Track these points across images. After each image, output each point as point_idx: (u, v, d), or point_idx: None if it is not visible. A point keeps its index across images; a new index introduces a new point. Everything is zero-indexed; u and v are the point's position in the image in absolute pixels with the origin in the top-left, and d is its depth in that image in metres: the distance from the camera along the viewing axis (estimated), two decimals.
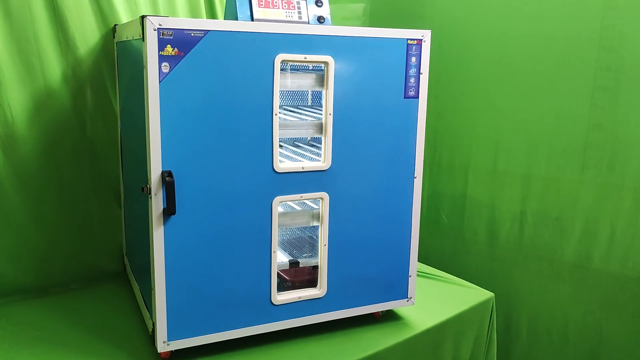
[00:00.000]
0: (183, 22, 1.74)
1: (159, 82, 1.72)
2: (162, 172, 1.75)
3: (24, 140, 2.27)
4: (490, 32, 2.79)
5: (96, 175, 2.48)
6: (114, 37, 2.42)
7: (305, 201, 2.14)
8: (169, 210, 1.75)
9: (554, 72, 2.62)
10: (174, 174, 1.76)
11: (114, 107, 2.48)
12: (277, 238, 1.95)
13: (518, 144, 2.79)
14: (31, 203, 2.32)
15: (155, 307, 1.82)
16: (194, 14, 2.69)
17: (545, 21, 2.61)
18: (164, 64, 1.72)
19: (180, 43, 1.73)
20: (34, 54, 2.26)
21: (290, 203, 2.20)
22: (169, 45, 1.72)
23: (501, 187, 2.89)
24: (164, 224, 1.78)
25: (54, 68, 2.31)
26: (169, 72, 1.73)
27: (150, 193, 1.77)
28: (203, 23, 1.76)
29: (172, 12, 2.61)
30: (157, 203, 1.77)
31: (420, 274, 2.64)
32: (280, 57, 1.85)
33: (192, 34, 1.74)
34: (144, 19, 1.69)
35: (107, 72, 2.44)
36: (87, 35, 2.37)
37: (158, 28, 1.70)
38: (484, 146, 2.91)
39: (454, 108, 3.00)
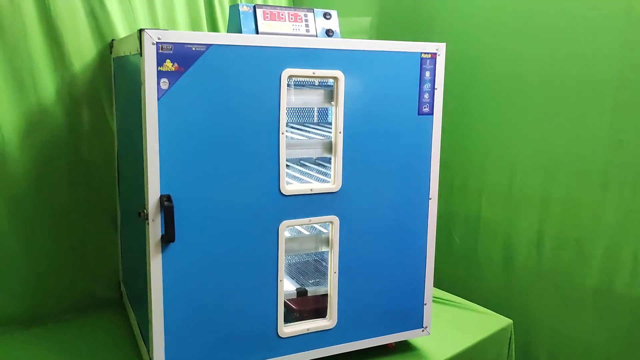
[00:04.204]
0: (184, 35, 1.62)
1: (158, 99, 1.61)
2: (161, 197, 1.63)
3: (15, 161, 2.15)
4: (504, 46, 2.68)
5: (91, 198, 2.36)
6: (111, 53, 2.31)
7: (314, 225, 2.01)
8: (168, 238, 1.63)
9: (572, 89, 2.49)
10: (173, 198, 1.63)
11: (110, 126, 2.36)
12: (283, 265, 1.82)
13: (535, 163, 2.66)
14: (22, 227, 2.20)
15: (152, 342, 1.68)
16: (195, 27, 2.58)
17: (564, 36, 2.49)
18: (162, 80, 1.60)
19: (180, 58, 1.61)
20: (27, 70, 2.15)
21: (298, 227, 2.07)
22: (168, 60, 1.60)
23: (517, 209, 2.74)
24: (162, 252, 1.65)
25: (47, 85, 2.20)
26: (168, 89, 1.61)
27: (147, 219, 1.64)
28: (205, 37, 1.65)
29: (172, 26, 2.51)
30: (154, 229, 1.64)
31: (434, 299, 2.50)
32: (287, 73, 1.74)
33: (194, 48, 1.63)
34: (142, 32, 1.58)
35: (104, 90, 2.33)
36: (83, 50, 2.27)
37: (157, 42, 1.58)
38: (499, 166, 2.78)
39: (467, 126, 2.87)
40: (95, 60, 2.31)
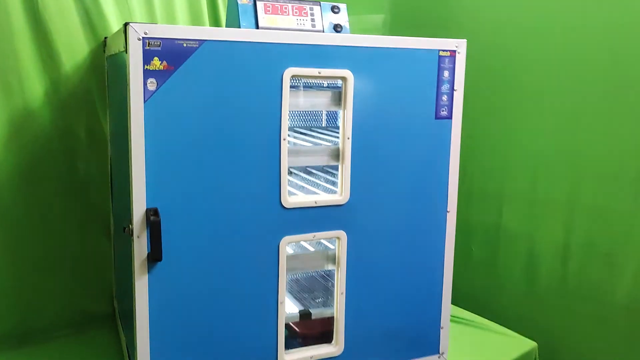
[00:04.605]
0: (174, 30, 1.46)
1: (144, 101, 1.44)
2: (147, 210, 1.47)
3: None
4: (529, 44, 2.50)
5: (83, 207, 2.20)
6: (104, 52, 2.15)
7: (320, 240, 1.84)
8: (154, 256, 1.46)
9: (601, 88, 2.31)
10: (161, 212, 1.47)
11: (104, 131, 2.21)
12: (285, 286, 1.65)
13: (561, 168, 2.48)
14: (8, 239, 2.05)
15: None
16: (195, 23, 2.42)
17: (595, 31, 2.31)
18: (150, 80, 1.44)
19: (170, 55, 1.45)
20: (12, 70, 2.00)
21: (302, 243, 1.89)
22: (156, 58, 1.44)
23: (541, 218, 2.58)
24: (148, 272, 1.49)
25: (35, 86, 2.05)
26: (156, 90, 1.45)
27: (132, 235, 1.48)
28: (198, 31, 1.48)
29: (172, 23, 2.34)
30: (140, 247, 1.48)
31: (450, 319, 2.32)
32: (289, 72, 1.57)
33: (185, 45, 1.46)
34: (127, 26, 1.41)
35: (97, 91, 2.18)
36: (74, 49, 2.12)
37: (143, 37, 1.42)
38: (522, 171, 2.61)
39: (487, 128, 2.69)
40: (88, 59, 2.16)
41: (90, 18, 2.13)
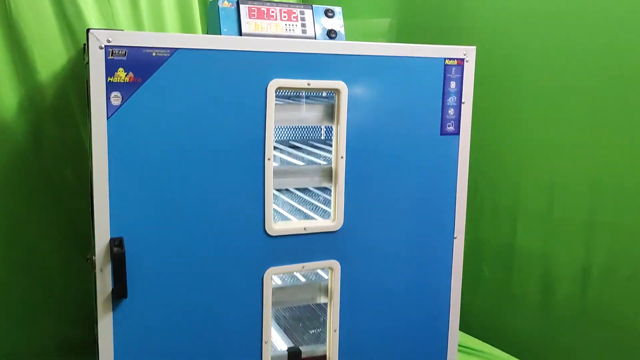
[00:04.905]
0: (141, 37, 1.30)
1: (107, 118, 1.28)
2: (111, 240, 1.30)
3: None
4: (543, 50, 2.31)
5: (62, 227, 2.06)
6: (84, 59, 1.99)
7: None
8: (118, 292, 1.30)
9: (622, 95, 2.13)
10: (127, 242, 1.30)
11: (85, 144, 2.05)
12: (270, 323, 1.47)
13: (579, 183, 2.31)
14: None
15: None
16: (187, 29, 2.25)
17: (614, 35, 2.12)
18: (114, 94, 1.28)
19: (137, 66, 1.29)
20: None
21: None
22: (121, 69, 1.28)
23: (558, 236, 2.40)
24: (112, 309, 1.32)
25: (8, 96, 1.91)
26: (120, 105, 1.28)
27: (94, 267, 1.31)
28: (169, 38, 1.32)
29: (160, 27, 2.18)
30: (103, 282, 1.31)
31: (458, 348, 2.15)
32: (275, 84, 1.40)
33: (154, 54, 1.30)
34: (88, 33, 1.25)
35: (76, 102, 2.02)
36: (51, 56, 1.97)
37: (106, 46, 1.25)
38: (536, 186, 2.43)
39: (498, 140, 2.52)
40: (66, 67, 2.01)
41: (70, 22, 1.98)
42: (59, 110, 2.02)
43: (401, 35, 2.79)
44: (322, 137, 2.05)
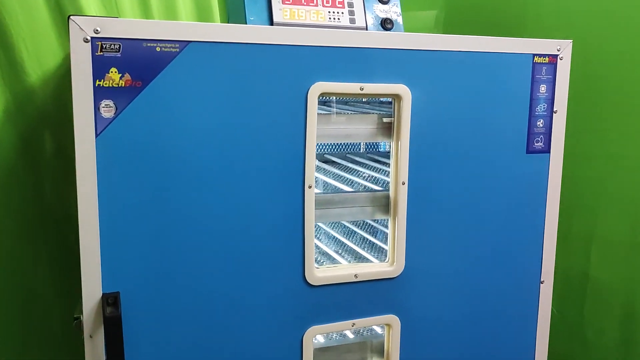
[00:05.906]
0: (140, 26, 0.98)
1: (96, 136, 0.96)
2: (103, 297, 0.98)
3: None
4: (633, 50, 1.97)
5: (54, 251, 1.77)
6: None
7: None
8: None
9: None
10: (123, 299, 0.99)
11: None
12: None
13: None
14: None
15: None
16: (203, 17, 1.95)
17: None
18: (104, 103, 0.96)
19: (135, 64, 0.97)
20: None
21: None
22: (114, 70, 0.96)
23: None
24: None
25: None
26: (114, 118, 0.96)
27: (82, 332, 1.00)
28: (178, 28, 1.00)
29: (172, 17, 1.89)
30: (94, 350, 1.00)
31: None
32: (318, 88, 1.08)
33: (159, 48, 0.98)
34: (69, 20, 0.94)
35: (72, 107, 1.73)
36: (42, 57, 1.70)
37: (93, 38, 0.94)
38: (617, 209, 2.09)
39: (572, 155, 2.18)
40: (61, 69, 1.73)
41: (65, 14, 1.70)
42: (52, 118, 1.73)
43: (449, 30, 2.48)
44: (362, 150, 1.73)
